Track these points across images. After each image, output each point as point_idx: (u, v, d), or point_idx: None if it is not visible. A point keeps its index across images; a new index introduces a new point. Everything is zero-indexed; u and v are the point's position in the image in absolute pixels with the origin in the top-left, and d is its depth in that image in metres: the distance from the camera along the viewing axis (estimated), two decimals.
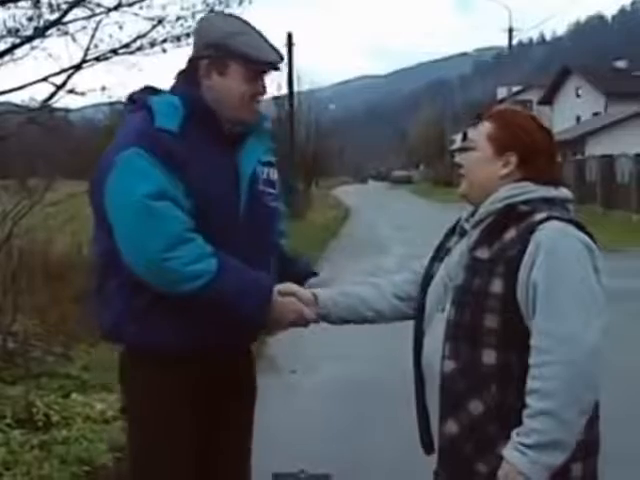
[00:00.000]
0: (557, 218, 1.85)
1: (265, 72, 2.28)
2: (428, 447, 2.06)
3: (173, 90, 2.27)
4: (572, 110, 43.81)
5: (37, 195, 6.47)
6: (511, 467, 1.77)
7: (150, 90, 2.29)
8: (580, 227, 1.88)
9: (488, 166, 1.98)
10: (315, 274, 2.48)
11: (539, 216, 1.86)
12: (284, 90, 28.65)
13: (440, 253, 2.09)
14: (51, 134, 9.62)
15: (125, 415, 2.45)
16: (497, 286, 1.84)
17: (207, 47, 2.22)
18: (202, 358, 2.22)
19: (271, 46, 2.25)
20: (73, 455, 3.99)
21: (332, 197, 43.74)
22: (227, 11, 9.30)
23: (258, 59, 2.21)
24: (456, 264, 1.96)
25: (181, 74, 2.30)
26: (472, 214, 2.01)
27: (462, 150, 2.10)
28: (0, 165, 10.86)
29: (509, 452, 1.79)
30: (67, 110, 9.33)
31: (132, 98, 2.31)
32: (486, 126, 2.01)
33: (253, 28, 2.25)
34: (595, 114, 41.45)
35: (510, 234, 1.87)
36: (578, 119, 43.16)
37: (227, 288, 2.10)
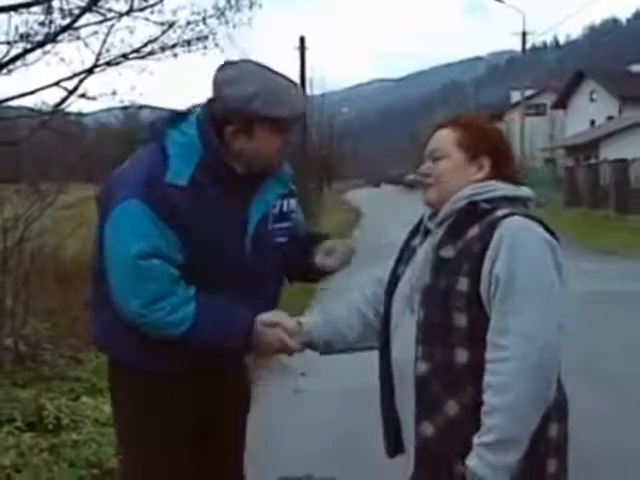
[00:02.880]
0: (518, 214, 1.87)
1: (292, 125, 2.25)
2: (392, 451, 2.06)
3: (199, 121, 2.20)
4: (586, 114, 43.57)
5: (49, 199, 6.49)
6: (471, 473, 1.79)
7: (174, 118, 2.24)
8: (542, 224, 1.89)
9: (462, 173, 1.98)
10: (326, 236, 2.50)
11: (501, 212, 1.87)
12: None
13: (404, 254, 2.09)
14: (64, 138, 9.67)
15: (114, 422, 2.47)
16: (463, 284, 1.84)
17: (229, 113, 2.15)
18: (191, 373, 2.24)
19: (294, 93, 2.20)
20: (82, 458, 4.00)
21: (344, 201, 43.67)
22: (238, 15, 9.32)
23: (283, 118, 2.17)
24: (422, 264, 1.96)
25: (210, 106, 2.20)
26: (435, 213, 2.01)
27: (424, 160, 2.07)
28: (13, 169, 10.93)
29: (469, 458, 1.80)
30: (80, 114, 9.38)
31: (153, 124, 2.29)
32: (451, 134, 2.01)
33: (271, 71, 2.20)
34: (609, 118, 41.19)
35: (473, 231, 1.88)
36: (592, 123, 42.93)
37: (206, 332, 2.14)
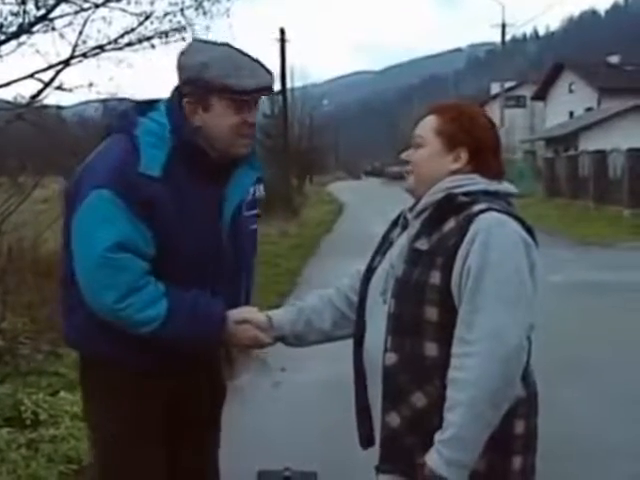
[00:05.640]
0: (496, 210, 1.84)
1: (253, 100, 2.14)
2: (365, 442, 2.05)
3: (169, 108, 2.15)
4: (565, 105, 43.80)
5: (26, 192, 6.42)
6: (429, 470, 1.77)
7: (143, 107, 2.18)
8: (520, 221, 1.87)
9: (438, 161, 1.96)
10: None
11: (478, 207, 1.85)
12: (277, 86, 28.61)
13: (383, 246, 2.08)
14: (42, 131, 9.56)
15: (87, 420, 2.44)
16: (435, 277, 1.83)
17: (185, 84, 2.11)
18: (163, 368, 2.22)
19: (255, 69, 2.11)
20: (61, 453, 3.97)
21: (326, 193, 43.63)
22: (216, 6, 9.27)
23: (237, 89, 2.06)
24: (398, 256, 1.94)
25: (178, 91, 2.16)
26: (415, 205, 1.99)
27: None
28: None
29: (428, 454, 1.78)
30: (59, 107, 9.30)
31: (125, 114, 2.20)
32: (433, 121, 1.98)
33: (238, 51, 2.12)
34: (588, 109, 41.45)
35: (449, 225, 1.86)
36: (571, 114, 43.17)
37: (179, 328, 2.11)
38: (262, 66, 2.14)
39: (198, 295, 2.16)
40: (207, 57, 2.08)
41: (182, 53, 2.16)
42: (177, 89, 2.17)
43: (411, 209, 2.01)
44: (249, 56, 2.13)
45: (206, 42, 2.20)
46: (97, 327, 2.15)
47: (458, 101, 2.15)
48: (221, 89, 2.06)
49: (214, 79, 2.05)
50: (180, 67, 2.13)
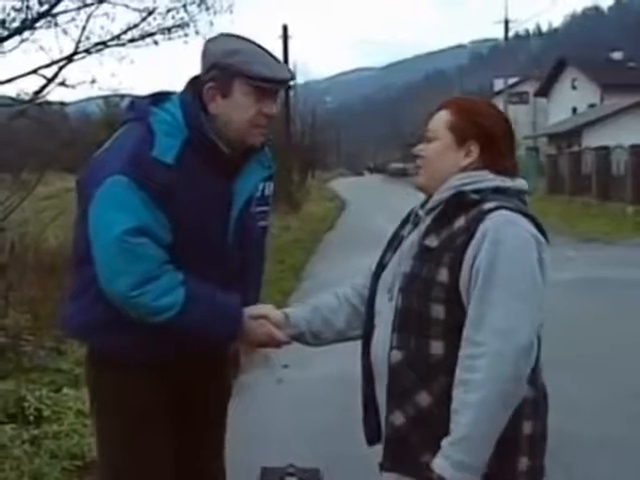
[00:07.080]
0: (506, 208, 1.82)
1: (272, 91, 2.17)
2: (371, 439, 2.04)
3: (182, 101, 2.17)
4: (568, 102, 43.74)
5: (29, 188, 6.42)
6: (437, 474, 1.74)
7: (156, 98, 2.19)
8: (531, 219, 1.85)
9: (449, 156, 1.94)
10: None
11: (488, 205, 1.83)
12: None
13: (394, 242, 2.06)
14: (44, 127, 9.56)
15: (94, 415, 2.41)
16: (443, 275, 1.81)
17: (209, 69, 2.13)
18: (170, 363, 2.21)
19: (278, 63, 2.17)
20: (64, 450, 3.98)
21: (328, 189, 43.61)
22: (219, 2, 9.29)
23: (261, 76, 2.10)
24: (407, 251, 1.93)
25: (193, 84, 2.18)
26: (426, 201, 1.98)
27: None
28: None
29: (435, 461, 1.75)
30: (62, 103, 9.30)
31: (134, 104, 2.23)
32: (445, 115, 1.96)
33: (259, 46, 2.17)
34: (591, 106, 41.37)
35: (459, 223, 1.84)
36: (574, 111, 43.09)
37: (196, 318, 2.10)
38: (281, 62, 2.20)
39: (215, 289, 2.15)
40: (234, 45, 2.14)
41: (209, 40, 2.20)
42: (194, 80, 2.19)
43: (422, 206, 2.00)
44: (272, 55, 2.19)
45: (234, 35, 2.23)
46: (104, 313, 2.14)
47: (470, 96, 2.15)
48: (244, 74, 2.09)
49: (239, 64, 2.09)
50: (206, 53, 2.16)
